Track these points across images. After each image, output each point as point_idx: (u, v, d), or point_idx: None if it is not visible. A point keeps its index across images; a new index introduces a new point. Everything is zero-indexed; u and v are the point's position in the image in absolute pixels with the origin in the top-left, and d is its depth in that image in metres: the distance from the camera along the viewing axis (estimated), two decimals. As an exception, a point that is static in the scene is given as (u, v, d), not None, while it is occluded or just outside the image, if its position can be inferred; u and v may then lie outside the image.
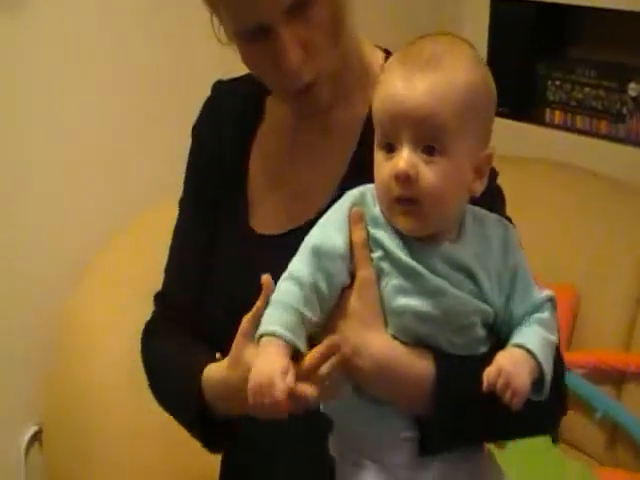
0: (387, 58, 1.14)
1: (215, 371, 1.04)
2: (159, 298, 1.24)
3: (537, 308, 0.99)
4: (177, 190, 1.24)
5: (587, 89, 2.61)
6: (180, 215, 1.22)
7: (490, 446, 1.08)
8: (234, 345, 0.97)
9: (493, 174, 1.08)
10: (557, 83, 2.67)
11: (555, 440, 2.35)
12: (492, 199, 1.05)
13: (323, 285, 0.95)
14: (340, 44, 1.06)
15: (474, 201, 0.99)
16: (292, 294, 0.94)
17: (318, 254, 0.95)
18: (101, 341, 2.11)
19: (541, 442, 2.23)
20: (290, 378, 0.89)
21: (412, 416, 0.99)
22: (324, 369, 0.92)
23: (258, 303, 0.95)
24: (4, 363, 2.15)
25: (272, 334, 0.92)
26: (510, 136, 2.75)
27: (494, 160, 0.99)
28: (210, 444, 1.13)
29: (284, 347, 0.91)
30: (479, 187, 0.98)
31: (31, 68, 2.09)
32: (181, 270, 1.20)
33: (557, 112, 2.69)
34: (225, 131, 1.18)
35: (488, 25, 2.77)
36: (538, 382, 0.95)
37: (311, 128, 1.13)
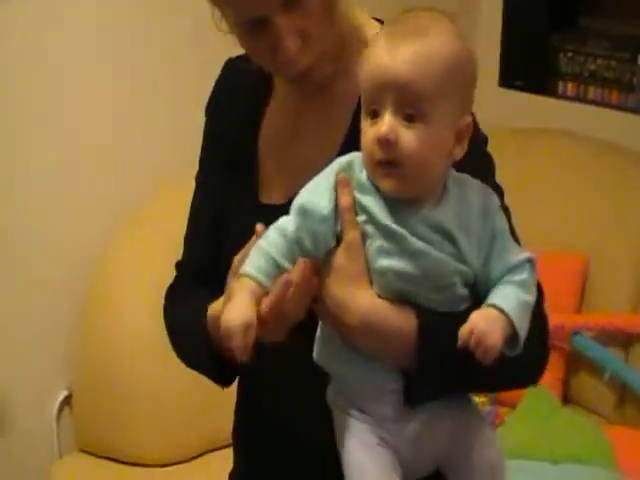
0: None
1: (214, 308, 1.11)
2: (179, 266, 1.31)
3: (514, 269, 1.03)
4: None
5: (599, 60, 2.65)
6: (196, 189, 1.29)
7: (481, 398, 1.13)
8: (227, 283, 1.05)
9: (483, 140, 1.15)
10: (569, 55, 2.71)
11: (565, 400, 2.42)
12: (481, 164, 1.10)
13: (307, 242, 1.01)
14: (336, 26, 1.11)
15: (463, 165, 1.05)
16: (275, 244, 1.00)
17: (304, 214, 1.01)
18: (127, 309, 2.20)
19: (551, 403, 2.31)
20: (251, 334, 0.95)
21: (398, 369, 1.04)
22: (263, 307, 0.98)
23: (247, 247, 1.02)
24: (36, 331, 2.24)
25: (247, 275, 0.98)
26: (523, 108, 2.82)
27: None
28: (220, 379, 1.20)
29: (256, 288, 0.98)
30: (459, 152, 1.03)
31: (31, 61, 2.13)
32: (197, 240, 1.27)
33: (570, 84, 2.73)
34: (236, 107, 1.24)
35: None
36: (512, 339, 1.00)
37: (315, 101, 1.18)
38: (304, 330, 1.05)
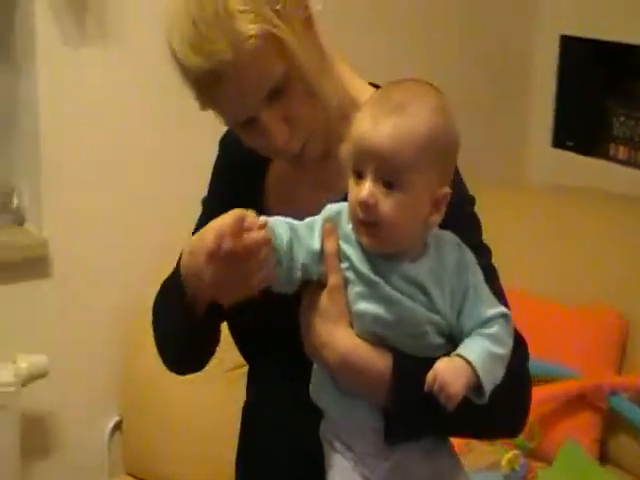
0: None
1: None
2: None
3: (485, 323, 1.09)
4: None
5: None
6: (202, 212, 1.36)
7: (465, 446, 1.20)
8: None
9: (469, 201, 1.23)
10: (622, 119, 2.78)
11: (602, 460, 2.45)
12: (465, 225, 1.17)
13: (299, 252, 1.10)
14: (321, 106, 1.17)
15: (448, 226, 1.12)
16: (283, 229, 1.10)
17: (297, 236, 1.10)
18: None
19: (587, 461, 2.34)
20: (224, 242, 1.03)
21: (378, 407, 1.11)
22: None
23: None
24: (90, 359, 2.38)
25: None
26: (575, 168, 2.89)
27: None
28: (197, 334, 1.23)
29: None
30: (436, 219, 1.10)
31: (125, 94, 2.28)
32: None
33: (621, 147, 2.80)
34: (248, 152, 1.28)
35: (557, 61, 2.91)
36: (478, 388, 1.06)
37: (313, 169, 1.25)
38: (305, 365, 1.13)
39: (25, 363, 2.21)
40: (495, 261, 1.22)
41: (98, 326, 2.35)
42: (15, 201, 2.31)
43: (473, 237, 1.19)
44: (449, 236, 1.14)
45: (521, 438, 2.37)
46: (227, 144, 1.34)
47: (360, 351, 1.11)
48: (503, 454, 2.34)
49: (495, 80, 2.93)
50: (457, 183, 1.17)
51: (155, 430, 2.32)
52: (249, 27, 1.09)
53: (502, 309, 1.12)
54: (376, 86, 1.25)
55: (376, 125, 1.06)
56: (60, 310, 2.33)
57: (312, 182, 1.26)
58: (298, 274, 1.11)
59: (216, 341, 1.28)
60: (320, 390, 1.17)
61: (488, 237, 1.24)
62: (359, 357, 1.10)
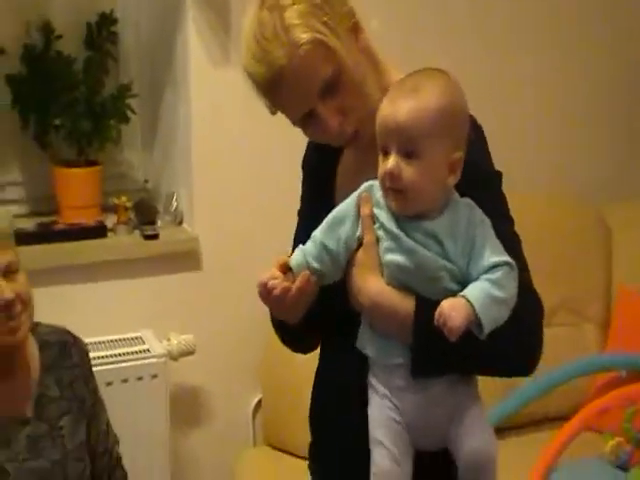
0: None
1: None
2: None
3: (489, 270, 1.28)
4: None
5: None
6: (298, 222, 1.62)
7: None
8: None
9: (495, 176, 1.42)
10: None
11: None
12: (489, 194, 1.38)
13: (331, 244, 1.35)
14: (369, 94, 1.38)
15: (472, 193, 1.33)
16: (308, 249, 1.36)
17: (333, 223, 1.36)
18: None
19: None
20: (272, 281, 1.33)
21: (406, 346, 1.31)
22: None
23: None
24: (234, 342, 2.71)
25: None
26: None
27: None
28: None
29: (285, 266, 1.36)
30: (452, 180, 1.30)
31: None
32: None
33: None
34: (320, 163, 1.56)
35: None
36: (478, 324, 1.25)
37: (368, 151, 1.44)
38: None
39: (176, 340, 2.57)
40: None
41: (242, 313, 2.64)
42: (175, 204, 2.69)
43: (496, 206, 1.39)
44: (464, 199, 1.34)
45: (631, 429, 2.48)
46: (305, 163, 1.62)
47: (388, 294, 1.32)
48: (608, 441, 2.47)
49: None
50: (484, 161, 1.39)
51: (290, 407, 2.61)
52: (300, 37, 1.32)
53: (506, 258, 1.30)
54: None
55: (394, 106, 1.29)
56: (209, 298, 2.68)
57: (370, 171, 1.46)
58: (342, 261, 1.36)
59: (315, 328, 1.52)
60: (362, 338, 1.39)
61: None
62: (387, 299, 1.32)
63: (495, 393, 2.62)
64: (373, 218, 1.35)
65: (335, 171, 1.55)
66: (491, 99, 2.77)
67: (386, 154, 1.30)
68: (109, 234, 2.60)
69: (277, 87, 1.37)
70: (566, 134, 3.09)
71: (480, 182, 1.36)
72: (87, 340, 2.45)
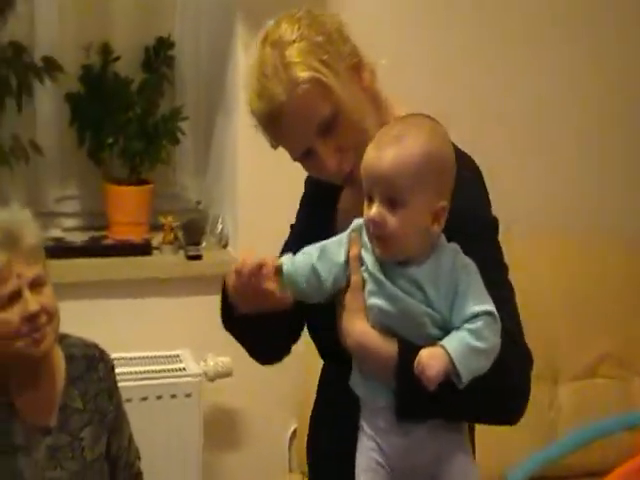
0: None
1: None
2: None
3: (469, 319, 1.27)
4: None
5: None
6: (289, 235, 1.64)
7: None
8: None
9: (489, 223, 1.41)
10: None
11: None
12: (480, 239, 1.36)
13: (323, 272, 1.33)
14: (368, 131, 1.36)
15: (462, 238, 1.32)
16: (300, 265, 1.34)
17: (326, 253, 1.34)
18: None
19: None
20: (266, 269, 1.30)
21: (390, 389, 1.30)
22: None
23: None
24: (275, 372, 2.68)
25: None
26: None
27: None
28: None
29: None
30: (437, 229, 1.29)
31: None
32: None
33: None
34: (322, 192, 1.55)
35: None
36: (456, 374, 1.25)
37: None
38: None
39: (212, 362, 2.60)
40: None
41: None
42: (220, 227, 2.73)
43: (488, 254, 1.37)
44: (450, 245, 1.33)
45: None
46: (308, 182, 1.62)
47: (371, 337, 1.32)
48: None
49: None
50: (478, 207, 1.39)
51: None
52: (299, 75, 1.35)
53: (488, 307, 1.28)
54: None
55: (379, 154, 1.28)
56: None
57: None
58: (328, 287, 1.35)
59: (277, 338, 1.55)
60: (354, 378, 1.39)
61: None
62: (370, 342, 1.32)
63: (536, 440, 2.59)
64: (361, 260, 1.34)
65: (337, 198, 1.55)
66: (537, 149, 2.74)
67: (370, 200, 1.29)
68: (154, 252, 2.66)
69: (276, 123, 1.38)
70: (606, 174, 3.04)
71: (471, 229, 1.34)
72: (125, 355, 2.53)
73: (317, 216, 1.55)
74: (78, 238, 2.69)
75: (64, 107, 2.68)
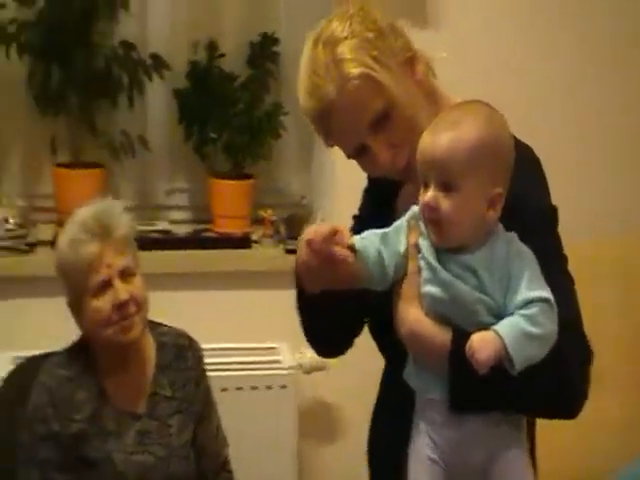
0: None
1: None
2: None
3: (524, 305, 1.25)
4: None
5: None
6: (352, 226, 1.60)
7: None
8: None
9: (546, 210, 1.39)
10: None
11: None
12: (536, 228, 1.34)
13: (386, 256, 1.32)
14: (420, 125, 1.35)
15: (518, 226, 1.31)
16: (371, 249, 1.33)
17: (388, 240, 1.33)
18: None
19: None
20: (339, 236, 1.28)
21: (445, 380, 1.29)
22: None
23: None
24: (372, 366, 2.68)
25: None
26: None
27: None
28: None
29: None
30: (493, 215, 1.28)
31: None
32: None
33: None
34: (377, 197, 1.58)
35: None
36: (509, 359, 1.23)
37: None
38: None
39: (309, 354, 2.62)
40: None
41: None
42: (319, 221, 2.75)
43: (546, 244, 1.35)
44: (507, 233, 1.32)
45: None
46: (369, 177, 1.62)
47: (425, 325, 1.31)
48: None
49: None
50: (536, 196, 1.37)
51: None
52: (350, 71, 1.35)
53: (544, 294, 1.26)
54: None
55: (434, 139, 1.28)
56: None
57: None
58: (390, 274, 1.34)
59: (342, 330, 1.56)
60: (408, 370, 1.38)
61: None
62: (424, 330, 1.31)
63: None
64: (418, 247, 1.34)
65: (396, 197, 1.55)
66: None
67: (426, 186, 1.30)
68: (254, 245, 2.71)
69: (328, 121, 1.39)
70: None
71: (529, 217, 1.33)
72: (222, 345, 2.59)
73: (378, 212, 1.55)
74: (184, 230, 2.77)
75: (173, 103, 2.76)
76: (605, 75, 2.86)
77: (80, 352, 1.98)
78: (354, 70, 1.36)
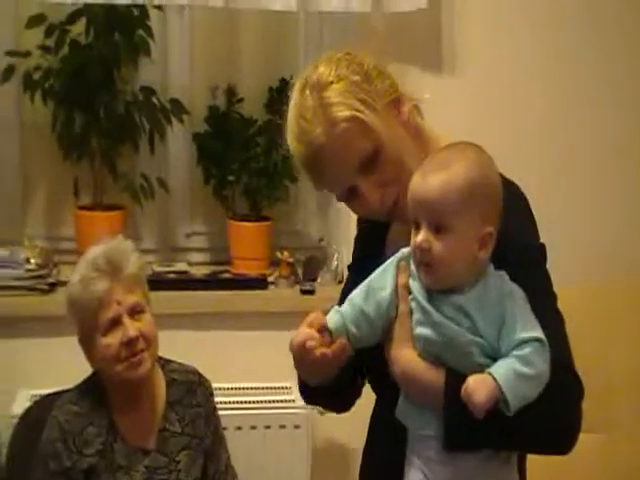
0: None
1: None
2: None
3: (517, 346, 1.26)
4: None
5: None
6: (349, 275, 1.65)
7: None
8: None
9: (534, 248, 1.40)
10: None
11: None
12: (526, 267, 1.35)
13: (370, 310, 1.35)
14: (408, 169, 1.37)
15: (509, 265, 1.32)
16: (347, 312, 1.35)
17: (372, 289, 1.36)
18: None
19: None
20: (304, 349, 1.30)
21: (439, 418, 1.30)
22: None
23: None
24: None
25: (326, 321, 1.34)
26: None
27: None
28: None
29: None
30: (484, 255, 1.29)
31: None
32: None
33: None
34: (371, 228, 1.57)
35: None
36: (504, 400, 1.24)
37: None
38: None
39: (323, 395, 2.64)
40: None
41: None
42: (335, 262, 2.79)
43: (537, 282, 1.36)
44: (497, 272, 1.33)
45: None
46: (360, 220, 1.63)
47: (417, 366, 1.33)
48: None
49: None
50: (524, 233, 1.38)
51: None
52: (337, 115, 1.37)
53: (536, 334, 1.28)
54: None
55: (425, 181, 1.30)
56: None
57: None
58: (378, 323, 1.35)
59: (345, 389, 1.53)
60: (400, 407, 1.39)
61: None
62: (416, 371, 1.33)
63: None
64: (409, 288, 1.35)
65: (385, 236, 1.56)
66: None
67: (417, 227, 1.31)
68: (271, 287, 2.74)
69: (318, 165, 1.41)
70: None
71: (519, 256, 1.34)
72: (237, 385, 2.62)
73: (369, 251, 1.57)
74: (202, 272, 2.81)
75: (192, 147, 2.83)
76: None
77: (91, 388, 2.02)
78: (341, 114, 1.37)
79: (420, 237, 1.30)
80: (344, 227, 2.79)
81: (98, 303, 1.92)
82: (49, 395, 2.21)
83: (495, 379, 1.25)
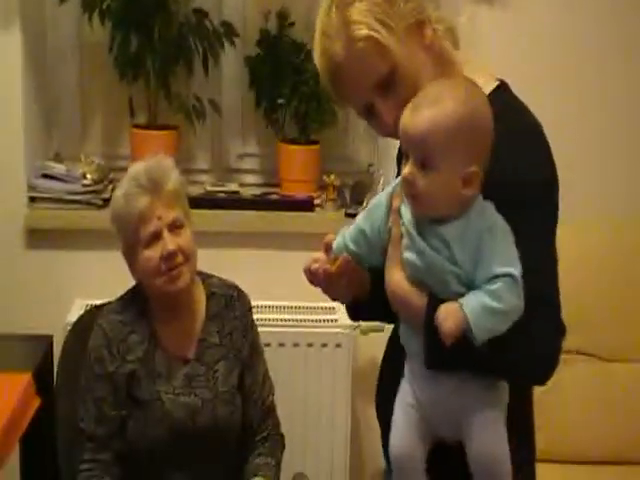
0: (499, 88, 1.49)
1: None
2: None
3: (489, 280, 1.30)
4: None
5: None
6: None
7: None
8: None
9: (537, 184, 1.40)
10: None
11: None
12: (520, 203, 1.37)
13: (367, 228, 1.41)
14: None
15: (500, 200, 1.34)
16: (349, 232, 1.43)
17: (371, 209, 1.43)
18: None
19: None
20: (314, 265, 1.43)
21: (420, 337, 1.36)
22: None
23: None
24: None
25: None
26: None
27: None
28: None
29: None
30: (469, 192, 1.32)
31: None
32: None
33: None
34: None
35: None
36: (470, 331, 1.29)
37: None
38: None
39: (365, 316, 2.70)
40: None
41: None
42: (381, 188, 2.81)
43: (531, 219, 1.37)
44: (482, 206, 1.35)
45: None
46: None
47: (403, 288, 1.39)
48: None
49: None
50: (527, 170, 1.38)
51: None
52: (356, 34, 1.42)
53: (509, 270, 1.30)
54: (502, 82, 1.50)
55: (413, 116, 1.33)
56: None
57: None
58: (375, 241, 1.40)
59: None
60: (400, 326, 1.47)
61: None
62: (403, 293, 1.39)
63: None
64: (400, 214, 1.39)
65: None
66: None
67: (407, 158, 1.34)
68: (317, 209, 2.80)
69: (337, 80, 1.47)
70: None
71: (513, 196, 1.35)
72: (282, 303, 2.70)
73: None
74: (252, 193, 2.89)
75: (244, 70, 2.87)
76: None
77: (134, 299, 2.12)
78: (359, 32, 1.42)
79: (406, 170, 1.33)
80: (392, 153, 2.82)
81: (139, 218, 2.01)
82: (99, 305, 2.32)
83: (463, 310, 1.30)
